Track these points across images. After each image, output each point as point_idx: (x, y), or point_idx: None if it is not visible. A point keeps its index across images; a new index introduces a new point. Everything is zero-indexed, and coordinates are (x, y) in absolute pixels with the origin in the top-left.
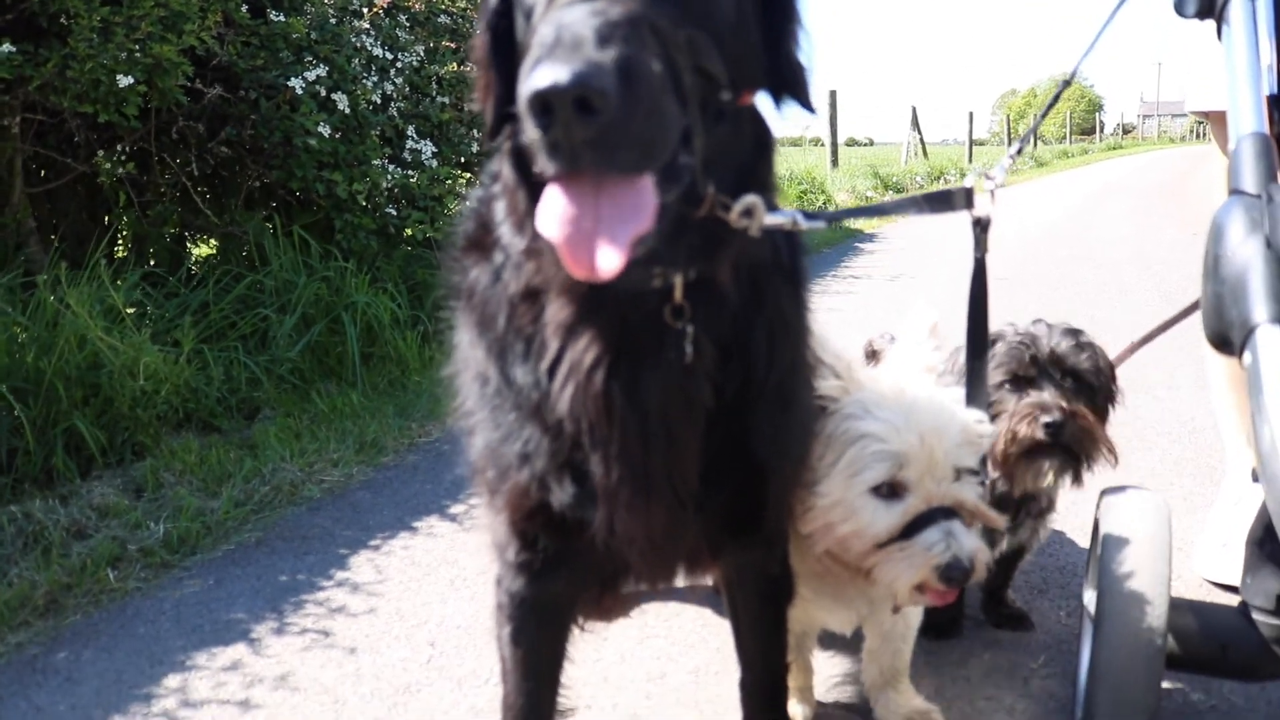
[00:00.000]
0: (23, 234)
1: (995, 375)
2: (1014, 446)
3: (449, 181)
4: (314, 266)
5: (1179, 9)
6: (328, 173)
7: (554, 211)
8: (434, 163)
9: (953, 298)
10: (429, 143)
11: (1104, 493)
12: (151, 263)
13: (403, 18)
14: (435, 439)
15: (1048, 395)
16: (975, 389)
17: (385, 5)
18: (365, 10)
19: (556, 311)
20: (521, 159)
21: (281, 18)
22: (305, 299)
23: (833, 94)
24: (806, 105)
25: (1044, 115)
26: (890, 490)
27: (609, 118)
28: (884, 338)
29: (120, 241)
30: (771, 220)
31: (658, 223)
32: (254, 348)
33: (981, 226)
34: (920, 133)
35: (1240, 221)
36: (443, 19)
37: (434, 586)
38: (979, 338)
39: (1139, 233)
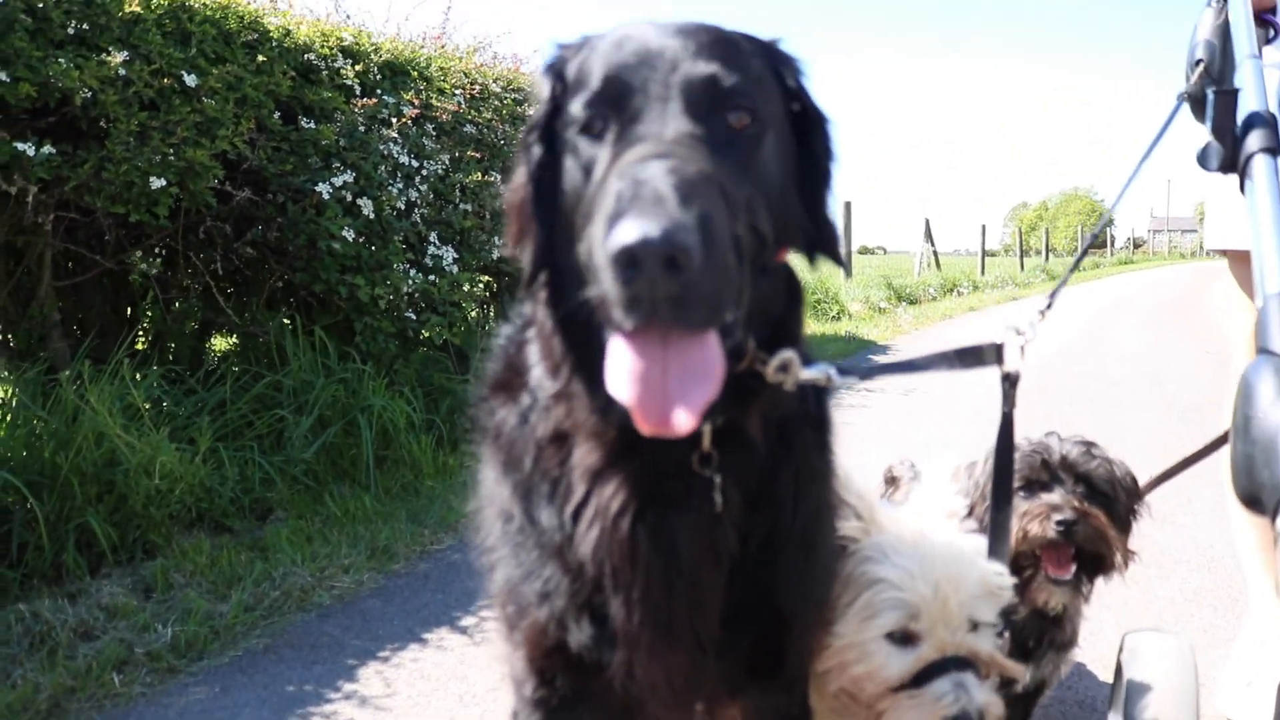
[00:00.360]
0: (47, 327)
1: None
2: (1026, 546)
3: (468, 287)
4: (332, 368)
5: (1202, 162)
6: (350, 276)
7: (624, 367)
8: (455, 268)
9: (967, 411)
10: (450, 249)
11: (1127, 635)
12: (171, 358)
13: (429, 126)
14: (447, 547)
15: (1059, 496)
16: (998, 539)
17: (414, 115)
18: (394, 120)
19: (585, 456)
20: (559, 305)
21: (312, 125)
22: (323, 400)
23: (847, 205)
24: (839, 262)
25: (1076, 265)
26: (903, 637)
27: (691, 275)
28: (904, 464)
29: (142, 335)
30: (807, 375)
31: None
32: (269, 447)
33: (1010, 382)
34: (933, 244)
35: (1271, 382)
36: (468, 129)
37: (443, 702)
38: (1003, 490)
39: (1151, 348)
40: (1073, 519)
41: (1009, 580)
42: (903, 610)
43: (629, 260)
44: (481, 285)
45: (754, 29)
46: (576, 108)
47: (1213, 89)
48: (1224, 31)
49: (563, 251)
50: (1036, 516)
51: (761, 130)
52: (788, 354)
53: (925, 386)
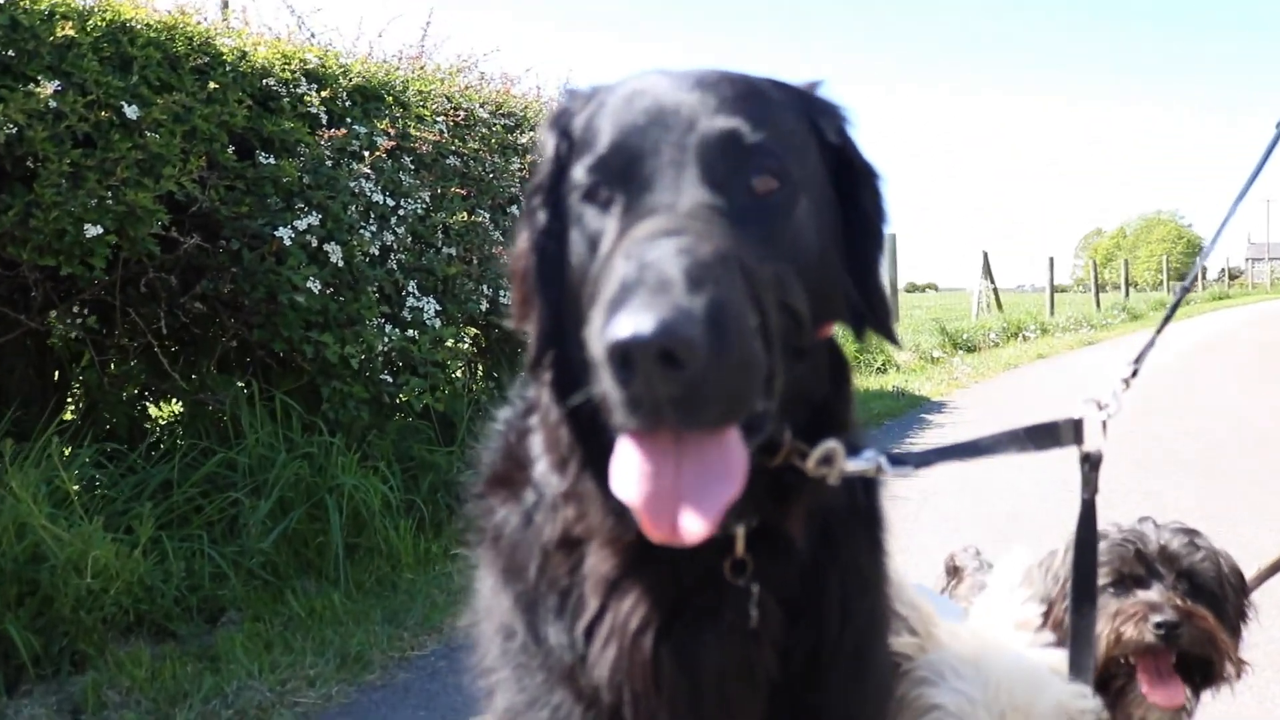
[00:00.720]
0: None
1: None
2: (1118, 650)
3: (452, 343)
4: (295, 441)
5: None
6: (316, 333)
7: (631, 468)
8: (437, 322)
9: (1039, 481)
10: (432, 299)
11: None
12: (107, 431)
13: (407, 159)
14: (430, 653)
15: (1157, 594)
16: (1080, 651)
17: (389, 147)
18: (366, 153)
19: (599, 563)
20: (566, 391)
21: (272, 160)
22: (283, 480)
23: (891, 238)
24: (891, 338)
25: (1164, 323)
26: None
27: (697, 372)
28: (968, 552)
29: (73, 404)
30: (853, 467)
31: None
32: (221, 536)
33: (1091, 464)
34: (993, 280)
35: None
36: (452, 160)
37: None
38: (1086, 590)
39: (1247, 403)
40: (1175, 620)
41: (1092, 704)
42: None
43: (623, 358)
44: (468, 341)
45: (788, 72)
46: (580, 173)
47: None
48: None
49: (571, 331)
50: (1131, 617)
51: (793, 194)
52: (831, 444)
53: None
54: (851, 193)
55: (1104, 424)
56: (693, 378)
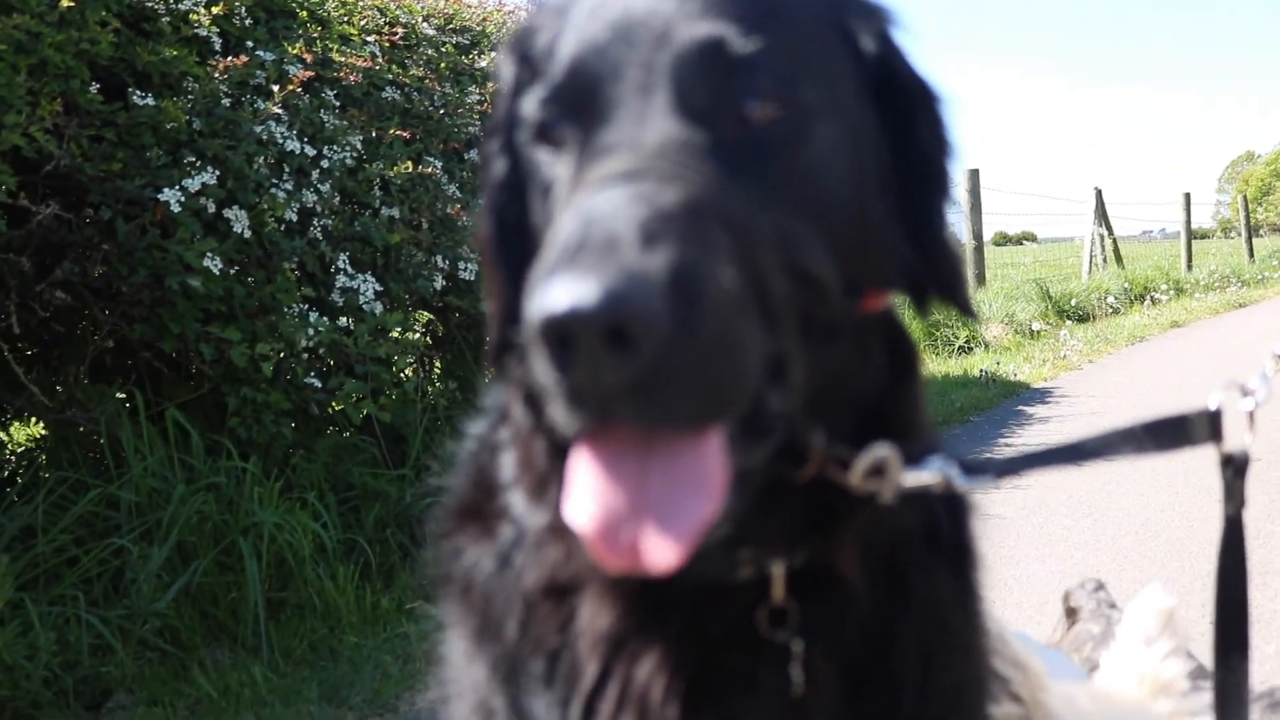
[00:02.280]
0: None
1: None
2: None
3: (399, 333)
4: (195, 468)
5: None
6: (217, 328)
7: (583, 484)
8: (378, 306)
9: (1178, 498)
10: (370, 277)
11: None
12: None
13: (330, 94)
14: None
15: None
16: (1230, 710)
17: (306, 78)
18: (275, 88)
19: (596, 616)
20: (540, 391)
21: (150, 101)
22: (182, 520)
23: (974, 174)
24: (964, 308)
25: None
26: None
27: (655, 354)
28: (1086, 587)
29: None
30: (912, 480)
31: (736, 497)
32: (102, 596)
33: (1235, 469)
34: (1109, 228)
35: None
36: (389, 94)
37: None
38: (1234, 631)
39: None
40: None
41: None
42: None
43: (560, 339)
44: (419, 330)
45: None
46: (532, 105)
47: None
48: None
49: None
50: None
51: (804, 121)
52: (881, 451)
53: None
54: (902, 120)
55: (1250, 415)
56: (650, 361)
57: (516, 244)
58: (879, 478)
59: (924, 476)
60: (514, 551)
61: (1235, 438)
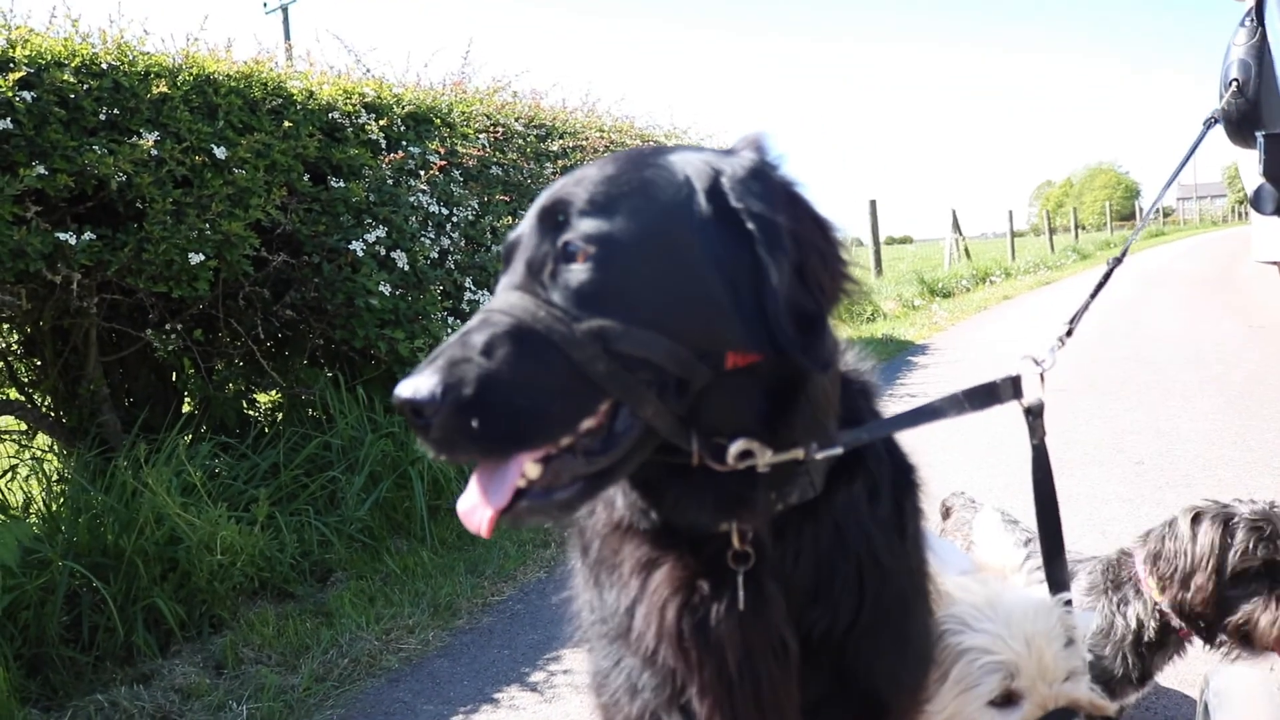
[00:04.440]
0: (97, 401)
1: (1242, 563)
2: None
3: None
4: (379, 422)
5: (1256, 205)
6: (389, 330)
7: (470, 485)
8: None
9: (1013, 420)
10: (486, 293)
11: (1212, 674)
12: (219, 418)
13: (456, 173)
14: (508, 598)
15: None
16: (1056, 573)
17: (441, 165)
18: (422, 171)
19: (634, 549)
20: None
21: (341, 183)
22: (372, 457)
23: (873, 204)
24: (803, 365)
25: (1097, 291)
26: (1005, 699)
27: (440, 422)
28: (957, 495)
29: (187, 402)
30: (777, 457)
31: (584, 491)
32: (324, 508)
33: (1034, 414)
34: (961, 234)
35: None
36: (495, 170)
37: None
38: (1051, 526)
39: (1192, 326)
40: None
41: (1087, 620)
42: (1001, 673)
43: (398, 410)
44: None
45: (731, 130)
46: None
47: (1264, 134)
48: (1259, 51)
49: None
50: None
51: (614, 255)
52: (741, 443)
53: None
54: (746, 243)
55: (1042, 377)
56: (439, 424)
57: None
58: (751, 458)
59: (787, 455)
60: (596, 504)
61: (1032, 393)
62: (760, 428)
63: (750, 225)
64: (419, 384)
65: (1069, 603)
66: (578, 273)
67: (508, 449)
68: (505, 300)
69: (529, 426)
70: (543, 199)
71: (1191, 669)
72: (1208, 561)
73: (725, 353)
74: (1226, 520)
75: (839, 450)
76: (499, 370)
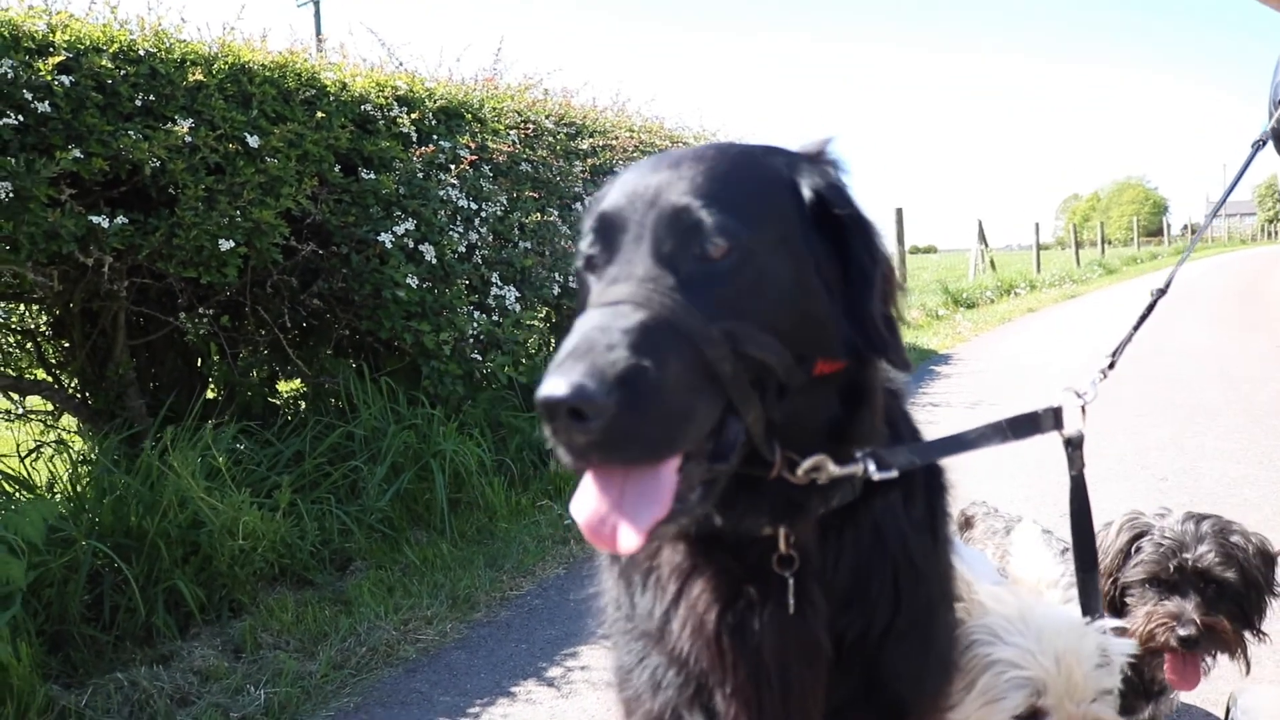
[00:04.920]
0: (123, 385)
1: (1138, 572)
2: (1149, 644)
3: (531, 323)
4: (402, 414)
5: None
6: (415, 322)
7: (583, 492)
8: (517, 307)
9: (1035, 444)
10: (512, 288)
11: (1238, 692)
12: (243, 404)
13: (486, 168)
14: (526, 593)
15: (1189, 606)
16: (1089, 600)
17: (471, 160)
18: (452, 165)
19: (672, 554)
20: None
21: (372, 175)
22: (394, 447)
23: (899, 212)
24: (897, 365)
25: (1137, 326)
26: (1030, 715)
27: (606, 422)
28: (978, 505)
29: (212, 388)
30: (840, 472)
31: (701, 495)
32: (345, 497)
33: (1074, 445)
34: (987, 245)
35: None
36: (524, 167)
37: None
38: (1087, 551)
39: (1219, 345)
40: (1195, 636)
41: (1124, 644)
42: (1028, 689)
43: (546, 412)
44: (543, 320)
45: (797, 134)
46: (584, 245)
47: None
48: None
49: None
50: (1161, 624)
51: (745, 257)
52: (818, 458)
53: (991, 397)
54: (842, 242)
55: (1083, 409)
56: (602, 427)
57: None
58: (817, 472)
59: (848, 469)
60: None
61: (1072, 425)
62: (824, 436)
63: (852, 232)
64: (575, 381)
65: (1110, 628)
66: (712, 271)
67: (665, 451)
68: (629, 291)
69: (683, 428)
70: (656, 183)
71: (1216, 688)
72: (1109, 566)
73: (817, 358)
74: (1139, 534)
75: (894, 473)
76: (654, 367)
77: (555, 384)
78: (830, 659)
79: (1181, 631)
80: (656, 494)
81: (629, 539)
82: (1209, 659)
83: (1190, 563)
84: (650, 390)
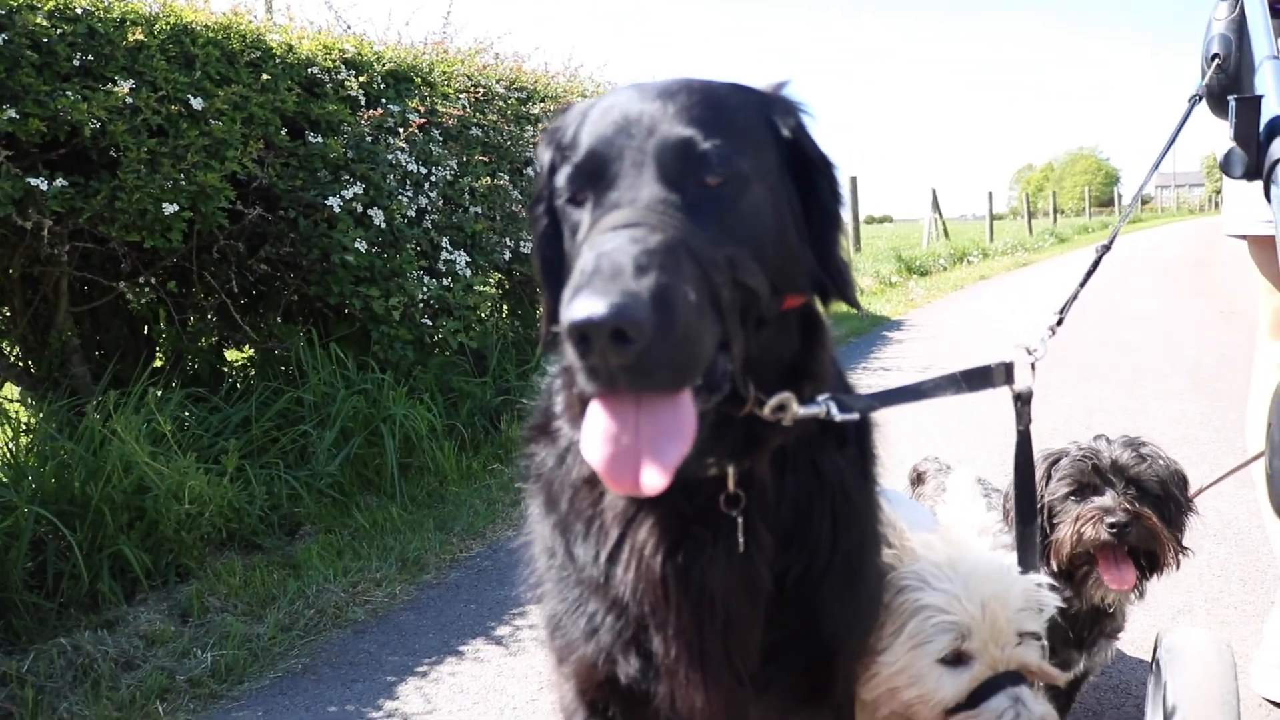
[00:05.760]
0: (66, 352)
1: (1059, 489)
2: (1080, 548)
3: (482, 289)
4: (352, 379)
5: (1225, 169)
6: (364, 287)
7: (595, 430)
8: (468, 272)
9: (984, 397)
10: (463, 253)
11: (1164, 633)
12: (191, 371)
13: (436, 133)
14: (476, 554)
15: (1110, 499)
16: (1026, 554)
17: (421, 124)
18: (401, 129)
19: (615, 499)
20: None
21: (319, 139)
22: (344, 412)
23: (854, 180)
24: (853, 304)
25: (1084, 282)
26: (955, 658)
27: (644, 345)
28: (929, 460)
29: (159, 354)
30: (803, 412)
31: (699, 431)
32: (294, 462)
33: (1023, 400)
34: (940, 214)
35: None
36: (474, 131)
37: (484, 716)
38: (1027, 505)
39: (1166, 311)
40: (1125, 521)
41: (1050, 595)
42: (953, 633)
43: (581, 336)
44: (494, 286)
45: (755, 75)
46: (563, 179)
47: (1234, 97)
48: (1239, 25)
49: None
50: (1089, 520)
51: (742, 186)
52: (783, 395)
53: (941, 362)
54: (809, 182)
55: (1033, 366)
56: (640, 350)
57: (556, 271)
58: (783, 411)
59: (811, 410)
60: (567, 454)
61: (1022, 380)
62: (784, 373)
63: (821, 173)
64: (617, 302)
65: (1041, 583)
66: (714, 197)
67: (690, 377)
68: (641, 214)
69: (704, 354)
70: (651, 112)
71: (1149, 637)
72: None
73: (788, 293)
74: (1056, 458)
75: (855, 415)
76: (685, 290)
77: (592, 304)
78: (771, 597)
79: (1110, 519)
80: (678, 426)
81: (654, 478)
82: (1142, 578)
83: (1108, 461)
84: (684, 313)
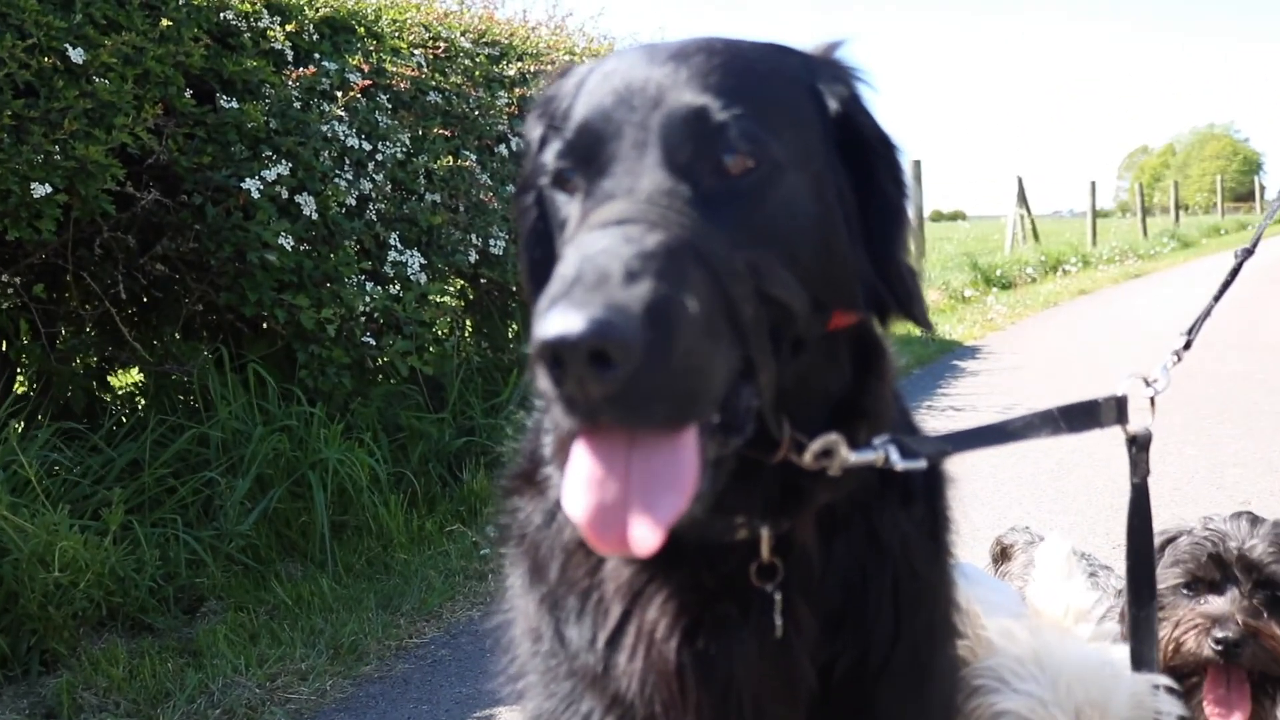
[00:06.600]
0: None
1: (1169, 576)
2: (1176, 660)
3: (439, 298)
4: (271, 412)
5: None
6: (289, 295)
7: (578, 475)
8: (422, 277)
9: (1085, 442)
10: (416, 253)
11: None
12: (62, 401)
13: (383, 98)
14: (429, 640)
15: (1227, 604)
16: (1142, 645)
17: (364, 86)
18: (338, 93)
19: (619, 567)
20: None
21: (234, 104)
22: (261, 455)
23: (916, 165)
24: (922, 323)
25: (1222, 291)
26: None
27: (631, 371)
28: (1017, 531)
29: (21, 377)
30: (855, 459)
31: (711, 480)
32: (196, 519)
33: (1139, 445)
34: (1029, 210)
35: None
36: (433, 98)
37: None
38: (1145, 581)
39: None
40: (1236, 639)
41: (1169, 699)
42: None
43: (554, 357)
44: (456, 295)
45: (802, 32)
46: (550, 158)
47: None
48: None
49: None
50: (1192, 628)
51: (773, 173)
52: (829, 438)
53: (1029, 401)
54: (864, 168)
55: (1152, 401)
56: (626, 377)
57: (546, 276)
58: (828, 458)
59: (867, 456)
60: (557, 511)
61: (1138, 420)
62: (830, 411)
63: (879, 156)
64: (598, 316)
65: (1158, 686)
66: (734, 188)
67: (693, 413)
68: (638, 208)
69: (713, 384)
70: (659, 77)
71: None
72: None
73: (835, 308)
74: (1173, 537)
75: (922, 464)
76: (687, 303)
77: (567, 319)
78: (815, 696)
79: (1219, 634)
80: (677, 474)
81: (645, 537)
82: (1262, 709)
83: (1235, 552)
84: (685, 331)
